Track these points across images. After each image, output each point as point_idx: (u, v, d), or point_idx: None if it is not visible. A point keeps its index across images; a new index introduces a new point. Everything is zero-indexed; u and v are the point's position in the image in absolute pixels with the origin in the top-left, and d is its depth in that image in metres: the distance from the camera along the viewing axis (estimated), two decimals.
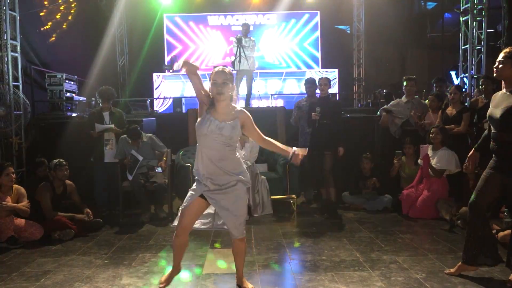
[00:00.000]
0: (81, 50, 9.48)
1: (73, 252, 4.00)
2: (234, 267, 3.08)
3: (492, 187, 3.05)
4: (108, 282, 3.24)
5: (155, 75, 9.88)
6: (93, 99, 7.21)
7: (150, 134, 5.54)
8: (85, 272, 3.47)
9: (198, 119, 2.87)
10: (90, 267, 3.58)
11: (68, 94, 7.74)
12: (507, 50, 2.99)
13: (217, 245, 4.17)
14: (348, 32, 12.18)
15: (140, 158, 5.13)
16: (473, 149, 3.30)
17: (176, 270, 3.07)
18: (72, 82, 7.99)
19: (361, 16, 11.53)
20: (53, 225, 4.44)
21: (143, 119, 6.43)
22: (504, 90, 3.03)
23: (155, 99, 9.56)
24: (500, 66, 2.97)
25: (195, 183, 2.90)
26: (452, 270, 3.24)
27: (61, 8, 9.01)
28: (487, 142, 3.18)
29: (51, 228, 4.43)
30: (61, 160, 4.79)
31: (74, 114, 7.43)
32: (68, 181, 4.87)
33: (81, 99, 8.02)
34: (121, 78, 11.30)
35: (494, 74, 3.07)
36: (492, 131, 3.04)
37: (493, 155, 3.06)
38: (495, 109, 2.99)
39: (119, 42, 11.19)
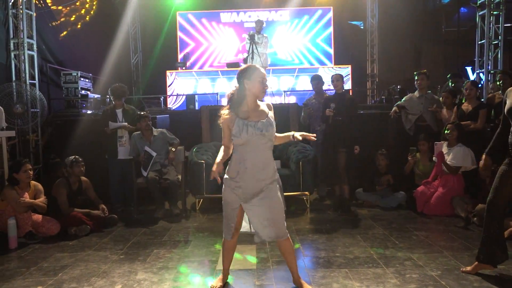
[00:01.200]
0: (95, 48, 9.58)
1: (89, 248, 4.06)
2: (248, 262, 3.08)
3: (508, 183, 3.00)
4: (124, 277, 3.28)
5: (168, 72, 9.93)
6: (107, 96, 7.28)
7: (161, 129, 5.59)
8: (101, 267, 3.52)
9: (228, 132, 2.78)
10: (106, 262, 3.63)
11: (83, 91, 7.83)
12: None
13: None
14: (362, 27, 12.07)
15: (154, 154, 5.18)
16: (484, 154, 3.21)
17: (226, 275, 3.06)
18: (87, 80, 8.08)
19: (374, 11, 11.41)
20: (69, 221, 4.52)
21: (157, 116, 6.48)
22: None
23: (168, 96, 9.61)
24: None
25: (227, 188, 2.85)
26: (468, 268, 3.20)
27: (77, 4, 9.11)
28: (499, 142, 3.11)
29: (68, 224, 4.50)
30: (77, 156, 4.86)
31: (89, 112, 7.52)
32: (83, 178, 4.94)
33: (95, 97, 8.11)
34: (135, 76, 11.41)
35: None
36: None
37: (510, 150, 3.01)
38: None
39: (132, 39, 11.29)
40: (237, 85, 2.76)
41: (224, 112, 2.75)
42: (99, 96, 8.24)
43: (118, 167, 5.52)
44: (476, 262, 3.16)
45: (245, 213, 2.85)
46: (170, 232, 4.55)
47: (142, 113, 5.49)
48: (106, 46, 9.74)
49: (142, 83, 11.35)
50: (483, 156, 3.21)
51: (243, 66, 2.84)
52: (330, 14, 11.29)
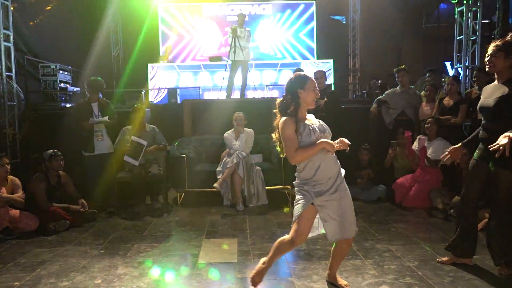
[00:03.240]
0: (75, 40, 9.41)
1: (68, 243, 4.01)
2: (230, 256, 3.08)
3: (480, 177, 3.08)
4: (104, 272, 3.26)
5: (149, 65, 9.82)
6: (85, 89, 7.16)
7: (154, 126, 5.54)
8: (80, 262, 3.48)
9: (295, 137, 2.65)
10: (86, 257, 3.60)
11: (62, 84, 7.69)
12: (498, 43, 2.96)
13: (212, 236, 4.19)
14: (344, 22, 12.15)
15: (144, 142, 5.13)
16: (461, 143, 3.24)
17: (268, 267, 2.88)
18: (66, 73, 7.94)
19: (356, 6, 11.49)
20: (48, 216, 4.44)
21: None
22: (496, 82, 3.04)
23: (150, 90, 9.51)
24: (493, 59, 2.96)
25: (302, 198, 2.68)
26: (444, 259, 3.28)
27: None
28: (477, 141, 3.16)
29: (46, 219, 4.43)
30: (55, 150, 4.78)
31: (68, 105, 7.39)
32: (62, 172, 4.87)
33: (75, 90, 7.97)
34: (116, 69, 11.25)
35: (487, 68, 3.06)
36: (483, 121, 3.06)
37: (480, 144, 3.09)
38: (488, 99, 3.01)
39: (113, 32, 11.11)
40: (287, 94, 2.74)
41: (284, 120, 2.67)
42: (78, 89, 8.10)
43: (96, 161, 5.42)
44: (452, 255, 3.23)
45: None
46: (151, 226, 4.53)
47: (137, 105, 5.41)
48: (86, 39, 9.57)
49: (123, 76, 11.19)
50: (458, 145, 3.25)
51: (296, 74, 2.80)
52: (313, 9, 11.32)
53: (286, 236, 2.71)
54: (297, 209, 2.67)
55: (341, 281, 2.95)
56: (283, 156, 2.78)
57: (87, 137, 5.36)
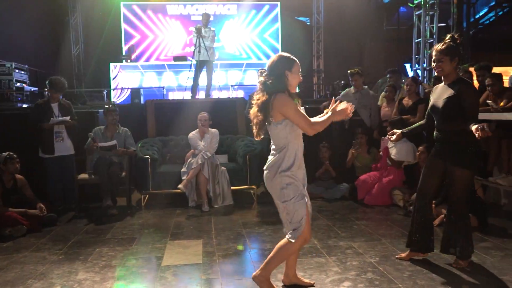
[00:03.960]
0: (33, 37, 9.05)
1: (25, 249, 3.86)
2: (194, 257, 3.06)
3: (435, 173, 3.21)
4: (63, 278, 3.15)
5: (112, 65, 9.60)
6: (46, 89, 6.91)
7: (126, 129, 5.42)
8: (38, 268, 3.35)
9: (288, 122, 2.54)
10: (44, 263, 3.47)
11: (18, 84, 7.38)
12: (441, 47, 3.07)
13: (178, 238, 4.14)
14: (308, 23, 12.33)
15: (114, 142, 5.07)
16: (400, 131, 3.36)
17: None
18: (22, 72, 7.63)
19: (320, 8, 11.69)
20: (3, 221, 4.25)
21: (99, 110, 6.25)
22: (443, 84, 3.18)
23: (112, 90, 9.30)
24: (440, 64, 3.08)
25: (289, 184, 2.58)
26: (402, 255, 3.39)
27: None
28: (416, 129, 3.39)
29: (2, 225, 4.23)
30: (11, 153, 4.58)
31: (25, 105, 7.11)
32: (18, 176, 4.67)
33: (33, 90, 7.67)
34: (76, 68, 10.93)
35: (436, 73, 3.19)
36: (435, 121, 3.19)
37: (436, 143, 3.23)
38: (437, 101, 3.14)
39: (74, 30, 10.78)
40: (270, 75, 2.56)
41: (282, 96, 2.51)
42: (36, 89, 7.80)
43: (56, 164, 5.23)
44: (409, 250, 3.35)
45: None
46: (113, 229, 4.42)
47: (108, 106, 5.28)
48: (44, 36, 9.23)
49: (84, 76, 10.88)
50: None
51: (282, 55, 2.62)
52: (278, 10, 11.42)
53: (291, 241, 2.59)
54: (299, 212, 2.56)
55: (305, 279, 2.97)
56: (258, 139, 2.66)
57: (46, 138, 5.15)
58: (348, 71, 6.18)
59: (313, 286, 2.92)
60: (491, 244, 3.67)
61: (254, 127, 2.63)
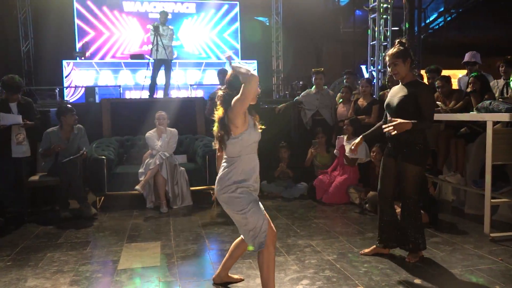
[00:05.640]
0: None
1: None
2: (152, 259, 3.00)
3: (391, 173, 3.33)
4: (11, 286, 2.99)
5: (64, 62, 9.23)
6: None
7: (80, 125, 5.20)
8: None
9: (242, 128, 2.50)
10: None
11: None
12: (392, 51, 3.22)
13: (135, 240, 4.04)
14: (267, 24, 12.41)
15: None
16: (361, 136, 3.55)
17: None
18: None
19: (279, 9, 11.80)
20: None
21: (51, 109, 5.98)
22: (400, 84, 3.31)
23: (65, 88, 8.93)
24: (396, 67, 3.21)
25: (243, 193, 2.57)
26: (366, 250, 3.48)
27: None
28: (376, 130, 3.51)
29: None
30: None
31: None
32: None
33: None
34: (26, 65, 10.40)
35: (394, 77, 3.33)
36: (388, 119, 3.31)
37: (388, 143, 3.35)
38: (393, 98, 3.28)
39: (22, 25, 10.26)
40: (230, 88, 2.52)
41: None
42: None
43: (11, 166, 4.92)
44: (374, 246, 3.45)
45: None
46: (66, 233, 4.25)
47: (67, 106, 5.02)
48: None
49: (35, 73, 10.38)
50: (359, 138, 3.54)
51: (236, 67, 2.49)
52: (237, 9, 11.43)
53: (263, 249, 2.54)
54: (258, 217, 2.55)
55: (234, 275, 3.00)
56: (218, 153, 2.70)
57: (2, 139, 4.81)
58: (313, 70, 6.29)
59: (243, 280, 2.98)
60: (441, 239, 3.84)
61: (217, 142, 2.61)
